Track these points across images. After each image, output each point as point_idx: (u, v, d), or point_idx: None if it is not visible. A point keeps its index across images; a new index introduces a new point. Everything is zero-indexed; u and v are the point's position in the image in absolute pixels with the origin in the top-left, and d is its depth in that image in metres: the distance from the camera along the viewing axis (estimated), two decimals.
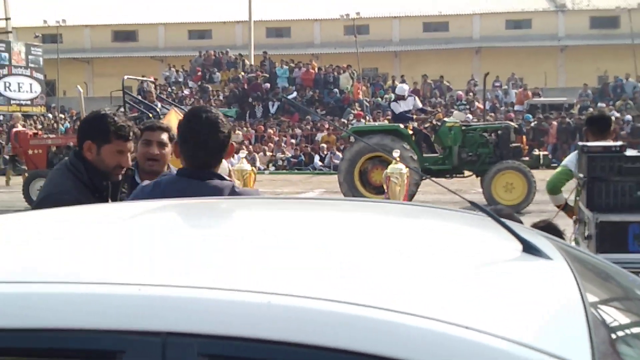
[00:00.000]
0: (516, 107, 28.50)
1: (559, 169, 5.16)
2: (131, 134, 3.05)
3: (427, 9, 42.84)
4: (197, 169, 2.64)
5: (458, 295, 1.24)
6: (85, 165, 2.98)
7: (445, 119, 15.85)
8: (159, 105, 15.31)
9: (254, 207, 2.14)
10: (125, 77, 14.90)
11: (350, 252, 1.50)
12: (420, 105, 16.15)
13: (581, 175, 3.93)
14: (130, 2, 46.77)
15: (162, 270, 1.31)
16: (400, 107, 14.79)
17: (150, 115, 13.56)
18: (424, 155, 14.25)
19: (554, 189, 5.11)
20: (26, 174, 15.64)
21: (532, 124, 24.75)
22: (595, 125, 5.22)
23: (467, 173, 14.45)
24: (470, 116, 23.56)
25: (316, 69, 31.58)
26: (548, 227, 3.37)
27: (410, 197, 12.02)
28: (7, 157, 22.03)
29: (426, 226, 1.90)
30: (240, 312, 1.11)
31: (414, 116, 15.13)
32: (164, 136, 3.66)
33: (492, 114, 26.77)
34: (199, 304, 1.14)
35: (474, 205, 1.75)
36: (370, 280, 1.28)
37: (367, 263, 1.41)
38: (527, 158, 14.37)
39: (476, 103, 28.16)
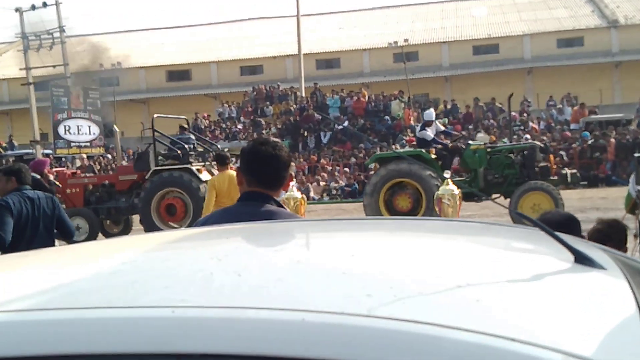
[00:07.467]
0: (572, 126, 27.84)
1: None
2: None
3: (476, 32, 42.70)
4: (256, 194, 2.71)
5: (506, 308, 1.20)
6: None
7: (470, 141, 15.72)
8: (193, 137, 16.00)
9: (302, 229, 2.11)
10: (155, 115, 15.65)
11: (390, 270, 1.46)
12: (442, 128, 16.05)
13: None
14: (183, 42, 47.99)
15: (197, 292, 1.29)
16: (430, 134, 14.67)
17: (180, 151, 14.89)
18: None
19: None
20: None
21: (590, 142, 24.18)
22: None
23: (494, 195, 14.17)
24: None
25: (366, 97, 31.67)
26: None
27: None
28: None
29: (473, 241, 1.84)
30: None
31: (448, 141, 14.96)
32: None
33: (549, 134, 26.27)
34: (234, 323, 1.11)
35: (523, 217, 1.69)
36: (412, 295, 1.24)
37: (410, 279, 1.36)
38: (555, 177, 14.10)
39: (530, 123, 27.72)
